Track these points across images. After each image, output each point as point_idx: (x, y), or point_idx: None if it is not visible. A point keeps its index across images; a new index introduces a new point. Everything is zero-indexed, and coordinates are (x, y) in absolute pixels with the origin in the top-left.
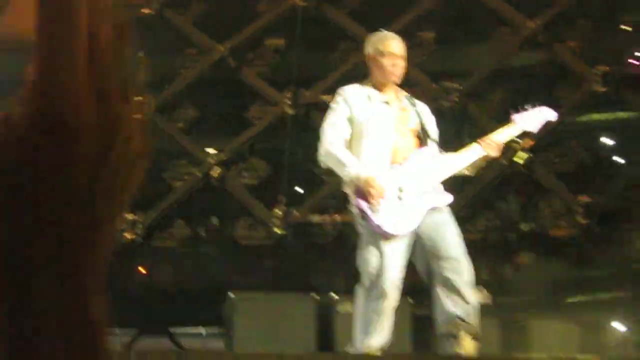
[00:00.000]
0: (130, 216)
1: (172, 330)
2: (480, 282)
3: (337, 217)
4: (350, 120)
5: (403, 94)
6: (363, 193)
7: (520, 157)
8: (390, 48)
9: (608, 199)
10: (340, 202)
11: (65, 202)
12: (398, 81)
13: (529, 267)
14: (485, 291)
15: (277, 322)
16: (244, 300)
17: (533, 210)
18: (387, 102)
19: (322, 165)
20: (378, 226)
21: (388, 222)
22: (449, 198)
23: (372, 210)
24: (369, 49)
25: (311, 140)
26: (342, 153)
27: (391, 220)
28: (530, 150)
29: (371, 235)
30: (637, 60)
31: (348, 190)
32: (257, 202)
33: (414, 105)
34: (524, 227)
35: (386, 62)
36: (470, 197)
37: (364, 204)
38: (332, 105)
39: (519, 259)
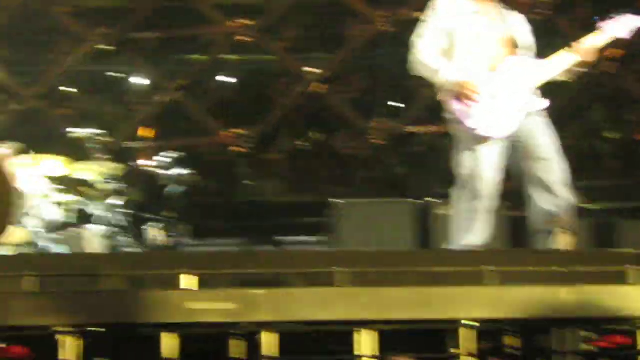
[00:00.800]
0: (238, 131)
1: (278, 238)
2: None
3: (432, 128)
4: (443, 31)
5: (495, 3)
6: (458, 96)
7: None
8: None
9: None
10: (435, 113)
11: None
12: None
13: (616, 173)
14: (577, 195)
15: (378, 227)
16: (346, 206)
17: (619, 119)
18: (479, 12)
19: (416, 73)
20: (473, 129)
21: (482, 125)
22: (545, 103)
23: (467, 113)
24: None
25: (406, 56)
26: (435, 60)
27: (485, 123)
28: (619, 60)
29: (466, 139)
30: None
31: (443, 96)
32: (356, 115)
33: (506, 14)
34: (610, 134)
35: None
36: (560, 105)
37: (459, 108)
38: (425, 17)
39: (606, 166)
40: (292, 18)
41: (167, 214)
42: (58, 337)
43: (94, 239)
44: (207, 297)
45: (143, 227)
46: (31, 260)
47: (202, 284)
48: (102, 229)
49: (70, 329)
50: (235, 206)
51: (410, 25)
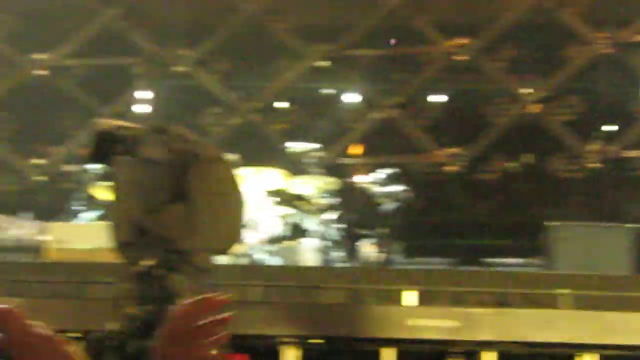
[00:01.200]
0: (453, 149)
1: (488, 260)
2: None
3: None
4: None
5: None
6: None
7: None
8: None
9: None
10: None
11: None
12: None
13: None
14: None
15: (594, 250)
16: (562, 229)
17: None
18: None
19: None
20: None
21: None
22: None
23: None
24: None
25: (624, 79)
26: None
27: None
28: None
29: None
30: None
31: None
32: (572, 138)
33: None
34: None
35: None
36: None
37: None
38: None
39: None
40: (509, 38)
41: (380, 230)
42: (279, 347)
43: (308, 252)
44: (427, 314)
45: (356, 242)
46: (256, 271)
47: (422, 301)
48: (316, 242)
49: (292, 339)
50: (446, 225)
51: (630, 47)
